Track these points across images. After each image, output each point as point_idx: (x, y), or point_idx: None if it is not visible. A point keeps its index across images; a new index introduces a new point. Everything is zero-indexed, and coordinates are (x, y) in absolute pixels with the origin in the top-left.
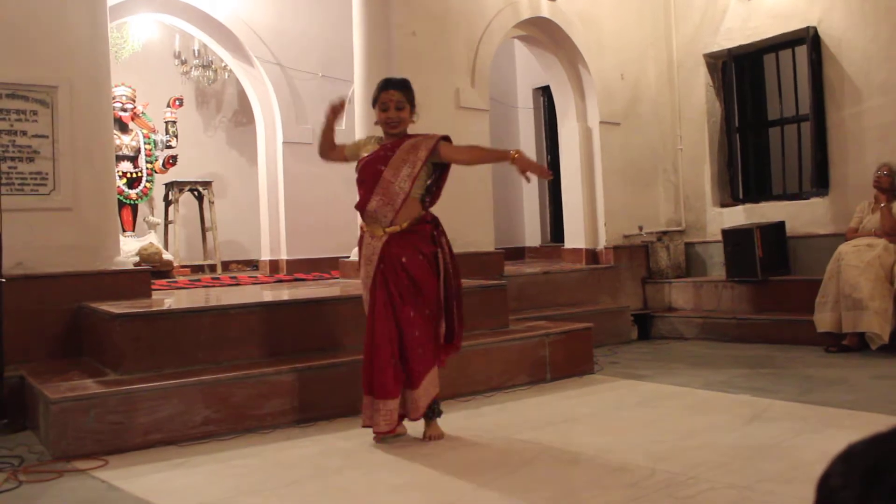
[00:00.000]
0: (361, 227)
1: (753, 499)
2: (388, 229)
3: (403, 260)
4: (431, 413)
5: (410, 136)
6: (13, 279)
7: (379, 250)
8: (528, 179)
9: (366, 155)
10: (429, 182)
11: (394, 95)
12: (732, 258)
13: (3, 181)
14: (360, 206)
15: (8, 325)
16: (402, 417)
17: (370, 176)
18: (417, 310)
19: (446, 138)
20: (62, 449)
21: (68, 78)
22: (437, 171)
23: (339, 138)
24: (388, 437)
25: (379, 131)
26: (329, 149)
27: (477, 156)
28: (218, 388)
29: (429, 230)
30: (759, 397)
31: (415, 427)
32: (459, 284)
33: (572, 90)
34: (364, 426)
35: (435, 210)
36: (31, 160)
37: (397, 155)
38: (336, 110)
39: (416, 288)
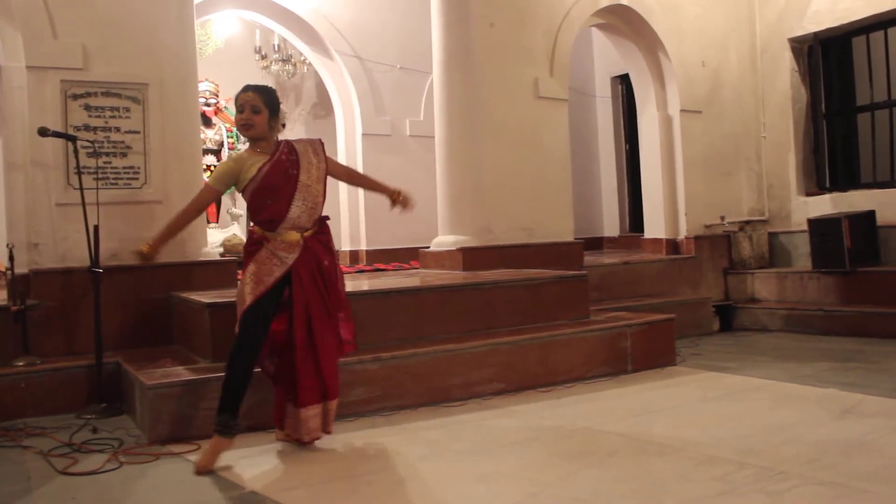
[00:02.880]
0: (257, 235)
1: (849, 497)
2: (305, 234)
3: (325, 263)
4: None
5: (286, 142)
6: (109, 270)
7: (294, 258)
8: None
9: (260, 167)
10: None
11: (249, 97)
12: (819, 249)
13: (99, 176)
14: (279, 215)
15: (104, 313)
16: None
17: (283, 182)
18: (329, 316)
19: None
20: (157, 433)
21: (158, 75)
22: None
23: (415, 129)
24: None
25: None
26: (178, 230)
27: (358, 180)
28: None
29: (329, 229)
30: (850, 392)
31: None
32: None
33: (652, 78)
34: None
35: (515, 200)
36: (124, 155)
37: (303, 158)
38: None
39: (328, 291)
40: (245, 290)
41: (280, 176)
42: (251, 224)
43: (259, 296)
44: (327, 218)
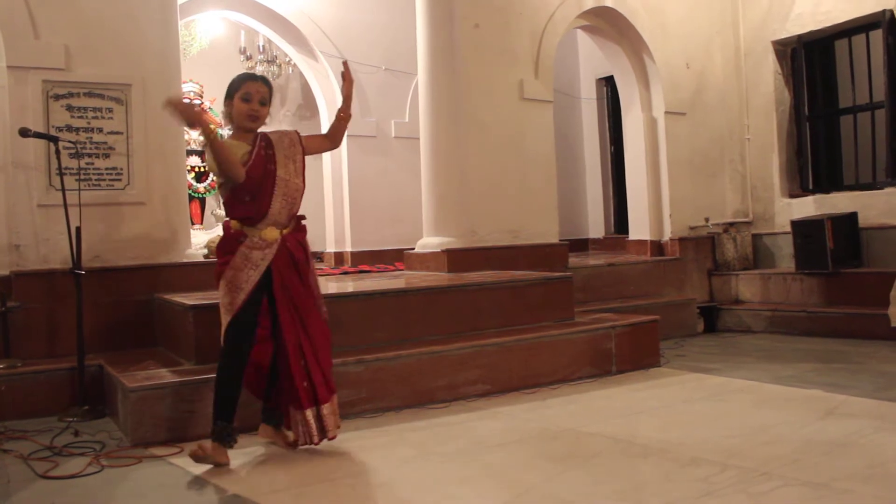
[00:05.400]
0: (235, 231)
1: (831, 497)
2: (284, 231)
3: (297, 256)
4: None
5: (262, 135)
6: (91, 272)
7: (274, 254)
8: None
9: (245, 160)
10: None
11: (261, 88)
12: (802, 250)
13: (81, 177)
14: (259, 213)
15: (86, 315)
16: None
17: (262, 177)
18: (317, 312)
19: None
20: (140, 435)
21: (141, 76)
22: None
23: (401, 131)
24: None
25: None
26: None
27: (333, 134)
28: None
29: (306, 229)
30: (833, 393)
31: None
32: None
33: (636, 80)
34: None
35: (500, 201)
36: (107, 156)
37: (279, 152)
38: None
39: (306, 288)
40: (224, 302)
41: (259, 170)
42: (228, 219)
43: (240, 306)
44: (303, 217)
